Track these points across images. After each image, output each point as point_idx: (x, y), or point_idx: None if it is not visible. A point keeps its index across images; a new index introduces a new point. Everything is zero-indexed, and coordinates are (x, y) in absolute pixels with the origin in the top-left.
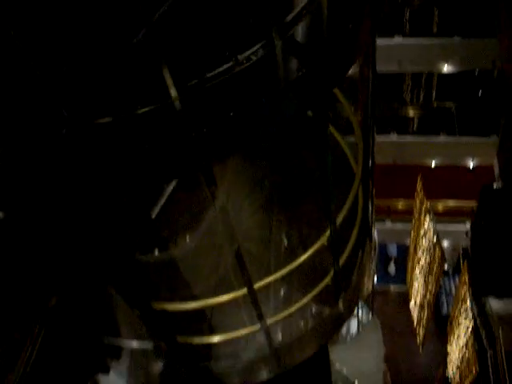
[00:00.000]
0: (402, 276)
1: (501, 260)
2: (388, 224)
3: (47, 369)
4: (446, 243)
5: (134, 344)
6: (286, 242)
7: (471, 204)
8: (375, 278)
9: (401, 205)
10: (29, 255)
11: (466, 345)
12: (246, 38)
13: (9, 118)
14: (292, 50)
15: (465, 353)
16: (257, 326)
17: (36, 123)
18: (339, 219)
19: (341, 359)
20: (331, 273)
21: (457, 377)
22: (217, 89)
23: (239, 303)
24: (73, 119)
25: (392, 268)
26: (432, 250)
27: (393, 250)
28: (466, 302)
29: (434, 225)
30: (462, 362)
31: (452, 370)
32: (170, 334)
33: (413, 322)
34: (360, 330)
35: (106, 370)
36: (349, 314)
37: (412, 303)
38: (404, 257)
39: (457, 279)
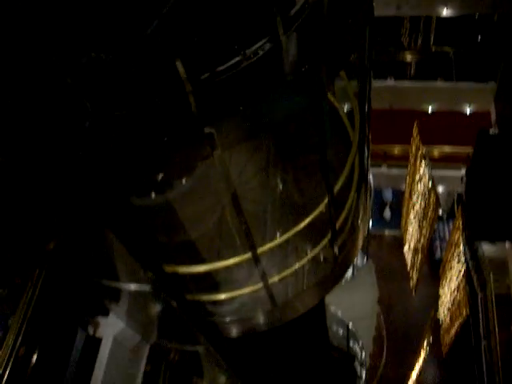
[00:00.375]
0: (397, 221)
1: (494, 206)
2: (384, 169)
3: (48, 311)
4: (440, 189)
5: (133, 287)
6: (287, 200)
7: (467, 150)
8: (370, 223)
9: (397, 150)
10: (27, 199)
11: (458, 288)
12: (252, 32)
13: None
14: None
15: (456, 296)
16: (259, 285)
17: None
18: (337, 187)
19: (335, 302)
20: (329, 235)
21: (447, 319)
22: (226, 82)
23: (243, 263)
24: (96, 112)
25: (387, 213)
26: (427, 196)
27: (388, 195)
28: (458, 247)
29: (430, 170)
30: (453, 305)
31: (443, 312)
32: (179, 292)
33: (406, 266)
34: (355, 273)
35: (106, 313)
36: (346, 267)
37: (406, 247)
38: (399, 202)
39: (451, 224)
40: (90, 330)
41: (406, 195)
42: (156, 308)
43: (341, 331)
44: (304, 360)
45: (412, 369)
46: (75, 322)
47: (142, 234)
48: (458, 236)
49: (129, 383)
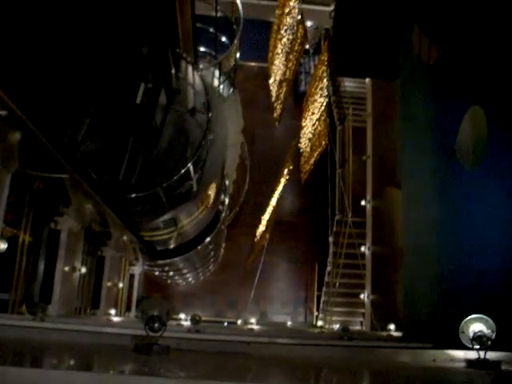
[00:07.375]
0: (264, 53)
1: (359, 43)
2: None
3: None
4: (309, 23)
5: None
6: None
7: None
8: (238, 54)
9: None
10: None
11: (319, 120)
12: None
13: None
14: None
15: (317, 127)
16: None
17: None
18: None
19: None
20: None
21: (308, 149)
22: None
23: None
24: None
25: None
26: (295, 29)
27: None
28: (322, 81)
29: (300, 3)
30: (313, 136)
31: (304, 142)
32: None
33: (271, 98)
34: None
35: None
36: None
37: (272, 80)
38: (267, 34)
39: (316, 59)
40: None
41: (275, 27)
42: (16, 135)
43: None
44: None
45: (272, 195)
46: None
47: None
48: (323, 71)
49: None
